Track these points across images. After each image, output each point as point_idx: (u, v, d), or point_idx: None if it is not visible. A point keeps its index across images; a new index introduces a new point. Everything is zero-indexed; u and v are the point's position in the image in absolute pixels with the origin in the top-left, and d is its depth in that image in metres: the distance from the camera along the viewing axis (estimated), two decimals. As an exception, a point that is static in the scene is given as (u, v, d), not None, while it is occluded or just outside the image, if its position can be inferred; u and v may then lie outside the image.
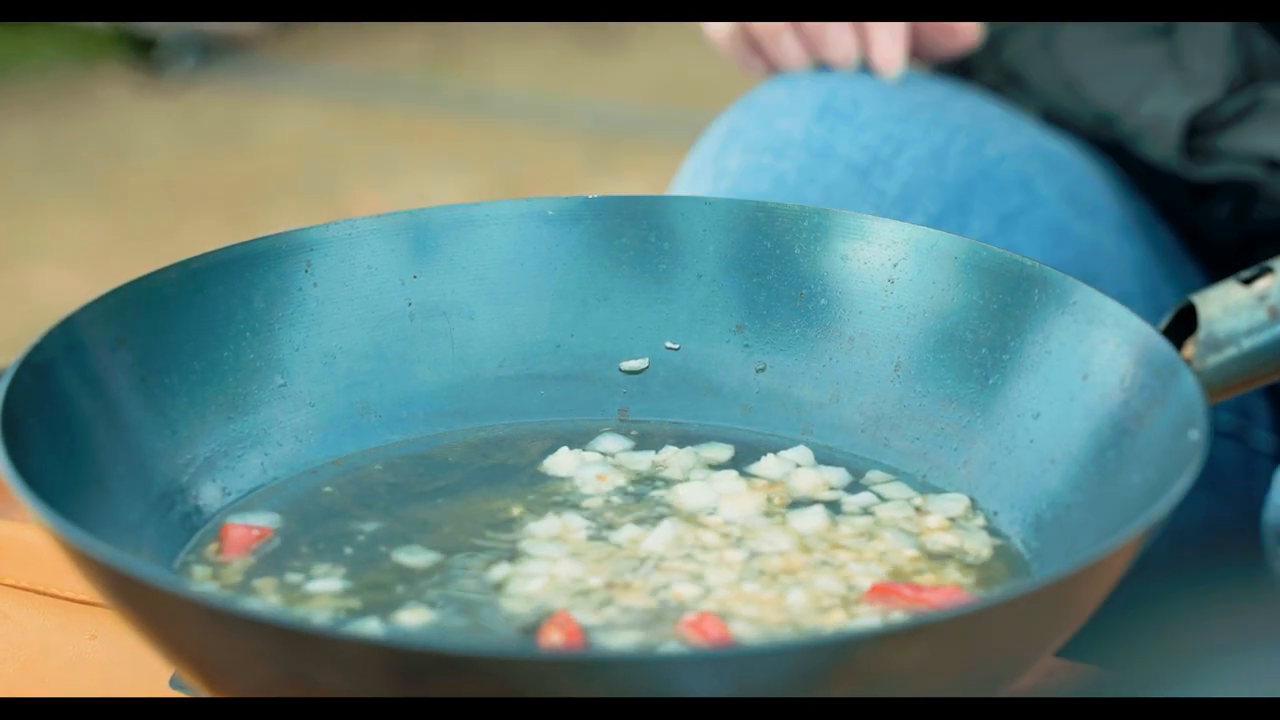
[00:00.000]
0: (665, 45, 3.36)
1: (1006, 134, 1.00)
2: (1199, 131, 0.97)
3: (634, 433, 0.75)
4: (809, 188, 0.94)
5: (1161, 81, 0.99)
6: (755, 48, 1.00)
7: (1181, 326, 0.71)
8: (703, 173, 0.96)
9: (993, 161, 0.97)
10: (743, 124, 0.97)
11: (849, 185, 0.94)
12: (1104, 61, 1.01)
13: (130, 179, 2.92)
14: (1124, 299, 0.70)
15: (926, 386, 0.73)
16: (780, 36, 0.97)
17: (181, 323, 0.71)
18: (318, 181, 2.89)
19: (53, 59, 3.34)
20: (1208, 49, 0.97)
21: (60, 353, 0.66)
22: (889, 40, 0.97)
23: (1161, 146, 0.98)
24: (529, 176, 2.86)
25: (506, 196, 0.77)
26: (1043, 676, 0.70)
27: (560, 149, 2.97)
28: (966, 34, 1.01)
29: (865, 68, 0.99)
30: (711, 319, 0.76)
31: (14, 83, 3.26)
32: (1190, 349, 0.70)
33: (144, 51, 3.28)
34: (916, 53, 1.03)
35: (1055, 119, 1.04)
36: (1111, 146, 1.02)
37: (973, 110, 0.99)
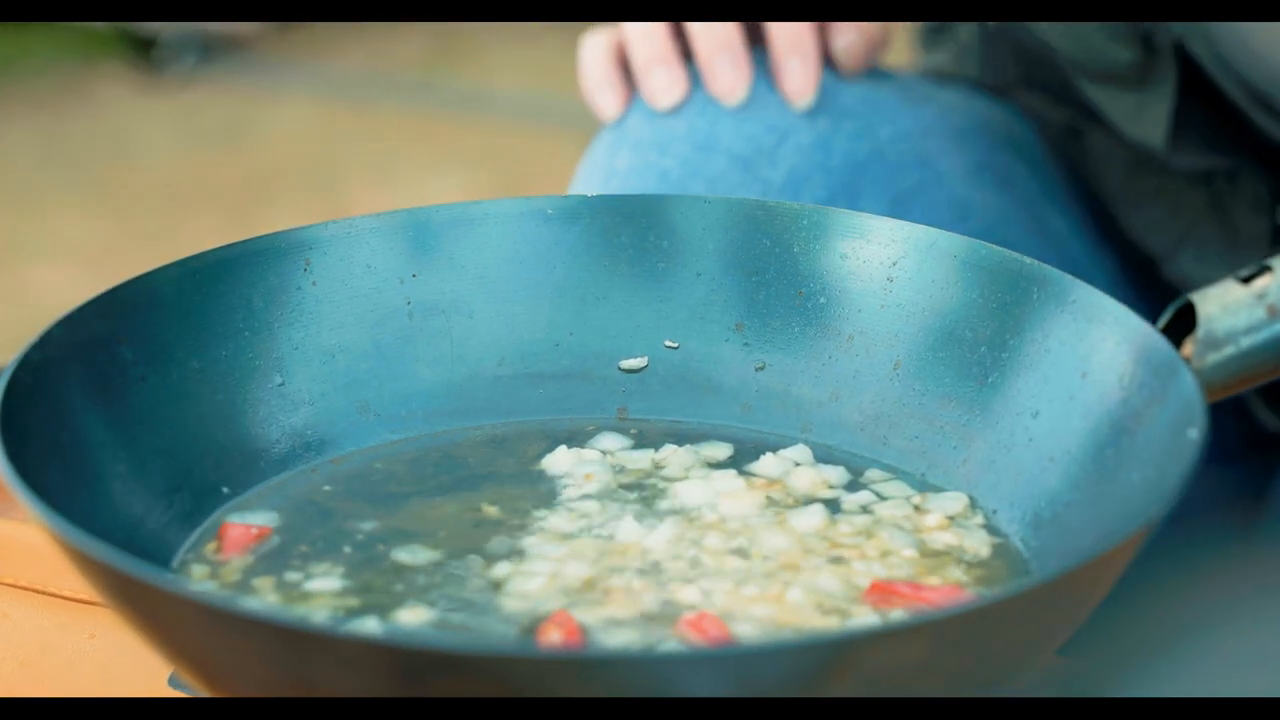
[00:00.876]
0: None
1: (903, 114, 0.99)
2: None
3: (633, 431, 0.75)
4: (693, 180, 0.94)
5: (1204, 231, 0.97)
6: (623, 75, 0.98)
7: (1180, 325, 0.71)
8: (594, 175, 0.97)
9: (886, 143, 0.97)
10: (630, 123, 0.97)
11: (733, 176, 0.94)
12: (1138, 189, 1.00)
13: (130, 178, 2.92)
14: None
15: (925, 385, 0.73)
16: (653, 69, 0.96)
17: (180, 321, 0.71)
18: (317, 180, 2.89)
19: (53, 58, 3.34)
20: (1252, 204, 0.95)
21: (59, 351, 0.66)
22: (801, 71, 0.96)
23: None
24: (528, 176, 2.86)
25: (505, 195, 0.77)
26: (1043, 675, 0.70)
27: (559, 148, 2.97)
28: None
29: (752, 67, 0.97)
30: (710, 317, 0.76)
31: (14, 82, 3.26)
32: (1189, 347, 0.70)
33: (144, 51, 3.28)
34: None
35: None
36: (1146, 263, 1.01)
37: (864, 95, 0.99)
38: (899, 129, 0.98)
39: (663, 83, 0.96)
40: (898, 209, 0.96)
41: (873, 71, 1.01)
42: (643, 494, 0.70)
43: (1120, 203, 1.00)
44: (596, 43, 0.99)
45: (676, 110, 0.96)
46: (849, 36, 0.98)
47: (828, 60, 0.99)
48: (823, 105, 0.97)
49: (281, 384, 0.73)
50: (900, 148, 0.97)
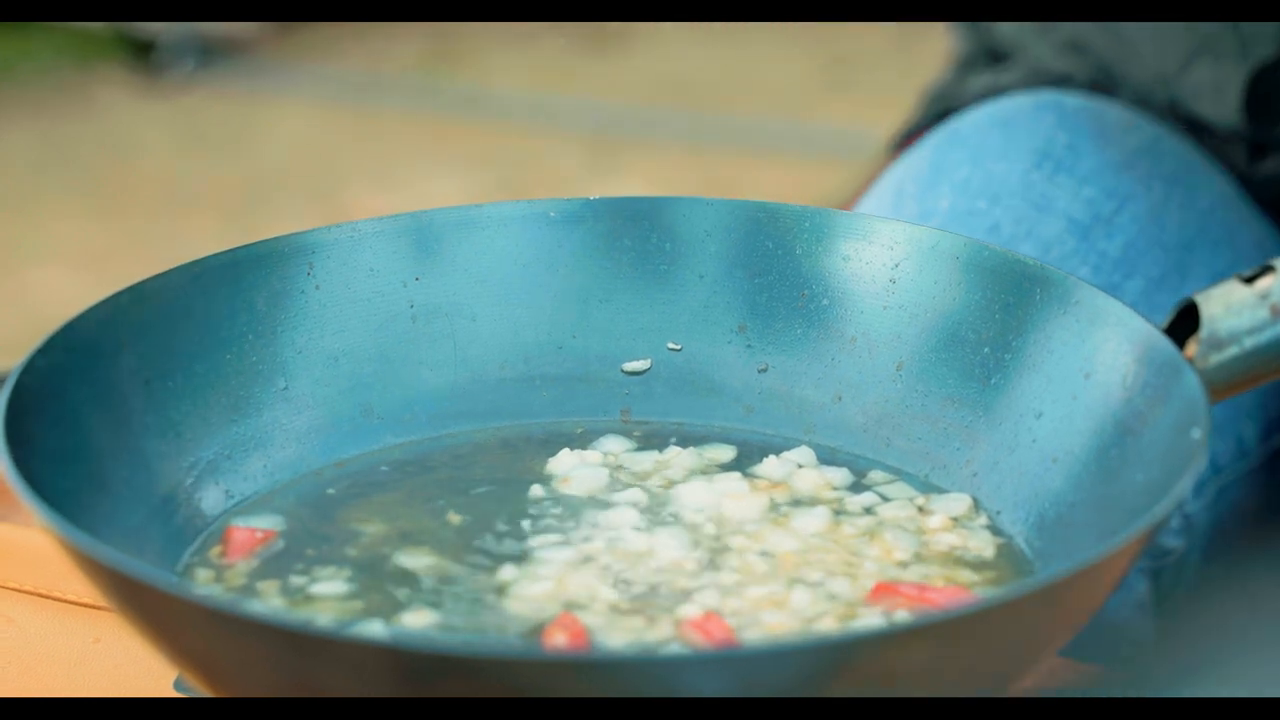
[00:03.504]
0: (665, 46, 3.36)
1: (1208, 179, 0.95)
2: (1259, 90, 0.94)
3: (636, 434, 0.75)
4: (1025, 241, 0.90)
5: (1217, 43, 0.95)
6: None
7: (1183, 325, 0.71)
8: (904, 207, 0.93)
9: (1205, 214, 0.94)
10: (951, 161, 0.93)
11: (1068, 244, 0.90)
12: (1154, 28, 0.97)
13: (129, 181, 2.92)
14: None
15: (929, 386, 0.73)
16: None
17: (184, 326, 0.71)
18: (317, 183, 2.89)
19: (52, 61, 3.34)
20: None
21: (63, 356, 0.66)
22: None
23: (1222, 111, 0.94)
24: (529, 178, 2.86)
25: (507, 198, 0.77)
26: (1046, 676, 0.70)
27: (560, 150, 2.97)
28: None
29: (1079, 109, 0.93)
30: (713, 319, 0.76)
31: (13, 85, 3.26)
32: (1192, 348, 0.70)
33: (143, 53, 3.28)
34: None
35: (1105, 87, 1.01)
36: (1165, 108, 0.99)
37: (1180, 154, 0.95)
38: (1212, 198, 0.94)
39: None
40: None
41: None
42: (646, 496, 0.70)
43: (1142, 39, 0.96)
44: None
45: (1007, 158, 0.91)
46: None
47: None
48: (1152, 165, 0.93)
49: (285, 387, 0.73)
50: (1215, 220, 0.93)
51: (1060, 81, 1.03)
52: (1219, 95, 0.95)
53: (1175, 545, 0.93)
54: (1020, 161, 0.92)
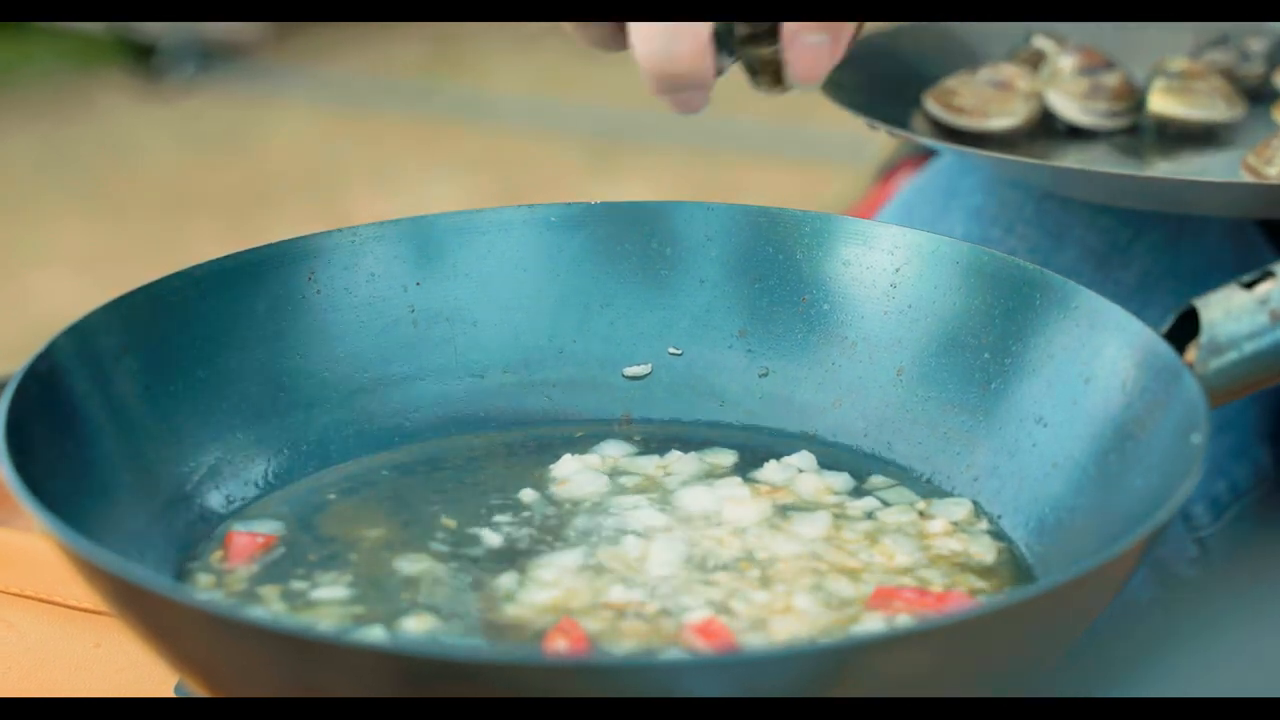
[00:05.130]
0: (665, 49, 3.35)
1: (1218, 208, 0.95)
2: None
3: (637, 438, 0.75)
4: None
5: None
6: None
7: (1183, 330, 0.72)
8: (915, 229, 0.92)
9: (1217, 243, 0.93)
10: (963, 185, 0.92)
11: (1084, 272, 0.90)
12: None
13: (130, 184, 2.93)
14: None
15: (929, 391, 0.73)
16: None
17: (186, 331, 0.71)
18: (318, 187, 2.90)
19: (53, 65, 3.34)
20: None
21: (65, 361, 0.66)
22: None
23: None
24: (529, 182, 2.86)
25: (507, 202, 0.77)
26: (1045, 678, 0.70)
27: (561, 154, 2.97)
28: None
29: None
30: (714, 324, 0.76)
31: (14, 89, 3.26)
32: (1192, 353, 0.70)
33: (144, 57, 3.28)
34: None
35: None
36: None
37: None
38: (1224, 226, 0.93)
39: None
40: None
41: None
42: (647, 501, 0.70)
43: None
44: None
45: (1025, 185, 0.90)
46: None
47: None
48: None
49: (286, 392, 0.73)
50: (1229, 247, 0.93)
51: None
52: None
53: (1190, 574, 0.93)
54: (1036, 190, 0.91)
